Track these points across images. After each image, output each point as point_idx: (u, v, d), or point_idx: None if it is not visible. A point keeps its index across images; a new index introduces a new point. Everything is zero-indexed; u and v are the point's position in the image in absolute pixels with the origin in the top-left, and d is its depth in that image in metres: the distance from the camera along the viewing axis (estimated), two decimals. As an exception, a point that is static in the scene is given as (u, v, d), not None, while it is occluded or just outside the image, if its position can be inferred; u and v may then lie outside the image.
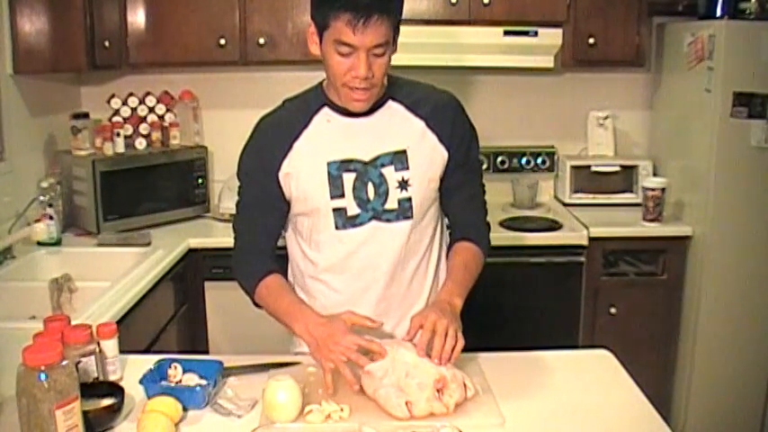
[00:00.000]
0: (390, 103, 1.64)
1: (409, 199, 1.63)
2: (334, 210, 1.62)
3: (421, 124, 1.64)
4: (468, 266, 1.68)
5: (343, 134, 1.62)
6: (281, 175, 1.63)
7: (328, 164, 1.61)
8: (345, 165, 1.61)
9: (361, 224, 1.63)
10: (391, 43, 1.51)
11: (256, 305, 1.72)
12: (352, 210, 1.62)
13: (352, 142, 1.61)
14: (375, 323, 1.52)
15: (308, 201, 1.63)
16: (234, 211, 2.96)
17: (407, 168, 1.62)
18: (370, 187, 1.62)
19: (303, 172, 1.62)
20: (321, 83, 1.67)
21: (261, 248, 1.70)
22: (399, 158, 1.62)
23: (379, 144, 1.62)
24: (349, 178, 1.61)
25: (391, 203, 1.63)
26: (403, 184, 1.62)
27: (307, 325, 1.54)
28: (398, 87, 1.65)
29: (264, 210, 1.67)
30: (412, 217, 1.64)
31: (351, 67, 1.48)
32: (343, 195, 1.61)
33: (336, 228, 1.63)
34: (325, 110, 1.63)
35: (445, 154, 1.65)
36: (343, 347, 1.45)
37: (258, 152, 1.66)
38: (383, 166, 1.61)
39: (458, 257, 1.69)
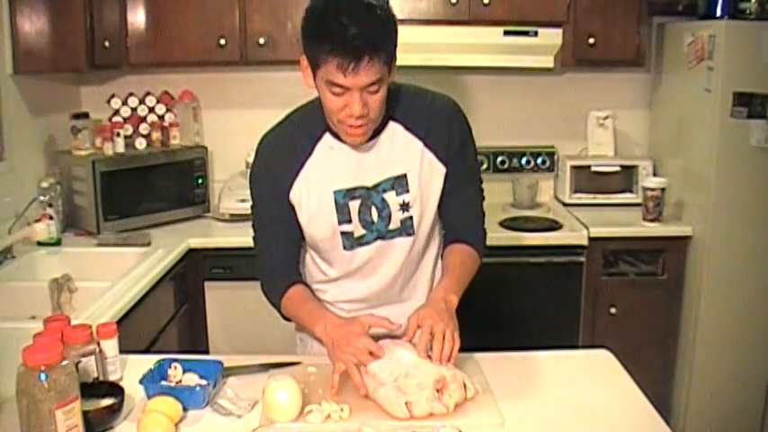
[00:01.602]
0: (390, 124, 1.62)
1: (411, 218, 1.65)
2: (342, 233, 1.64)
3: (419, 145, 1.63)
4: (464, 265, 1.68)
5: (346, 162, 1.62)
6: (290, 197, 1.64)
7: (335, 192, 1.62)
8: (351, 193, 1.62)
9: (367, 243, 1.66)
10: (386, 77, 1.48)
11: (285, 318, 1.73)
12: (359, 232, 1.65)
13: (357, 170, 1.62)
14: (394, 325, 1.52)
15: (317, 227, 1.65)
16: (234, 211, 2.98)
17: (408, 191, 1.63)
18: (374, 211, 1.64)
19: (311, 200, 1.63)
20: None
21: (284, 263, 1.71)
22: (400, 183, 1.62)
23: (380, 170, 1.62)
24: (354, 205, 1.63)
25: (394, 224, 1.65)
26: (404, 207, 1.63)
27: (326, 326, 1.55)
28: (396, 102, 1.62)
29: (282, 226, 1.67)
30: (414, 233, 1.66)
31: (345, 105, 1.46)
32: (350, 221, 1.63)
33: (344, 248, 1.66)
34: (327, 137, 1.62)
35: (443, 169, 1.65)
36: (354, 349, 1.46)
37: (267, 175, 1.66)
38: (385, 191, 1.62)
39: (454, 257, 1.70)
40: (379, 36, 1.41)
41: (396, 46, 1.48)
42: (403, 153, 1.63)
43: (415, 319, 1.50)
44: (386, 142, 1.62)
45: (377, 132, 1.61)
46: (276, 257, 1.70)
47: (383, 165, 1.62)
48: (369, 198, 1.62)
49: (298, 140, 1.64)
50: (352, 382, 1.45)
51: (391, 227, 1.65)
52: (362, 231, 1.64)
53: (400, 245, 1.66)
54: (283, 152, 1.64)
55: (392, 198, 1.63)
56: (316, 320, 1.58)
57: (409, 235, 1.66)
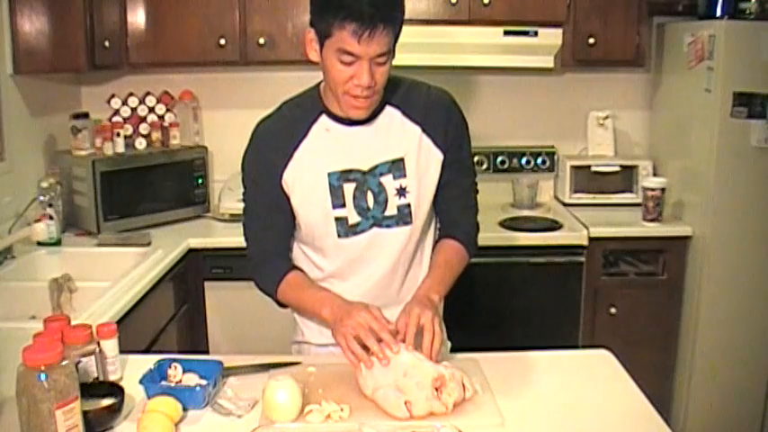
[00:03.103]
0: (387, 108, 1.63)
1: (408, 205, 1.64)
2: (336, 219, 1.63)
3: (417, 130, 1.64)
4: (450, 264, 1.69)
5: (342, 144, 1.62)
6: (282, 182, 1.64)
7: (329, 174, 1.61)
8: (345, 175, 1.62)
9: (362, 231, 1.65)
10: (392, 51, 1.51)
11: (280, 305, 1.74)
12: (353, 218, 1.64)
13: (352, 152, 1.62)
14: (391, 324, 1.51)
15: (310, 210, 1.64)
16: (234, 211, 2.98)
17: (405, 176, 1.63)
18: (370, 196, 1.63)
19: (304, 182, 1.63)
20: (318, 86, 1.66)
21: (275, 252, 1.71)
22: (397, 166, 1.63)
23: (377, 153, 1.62)
24: (349, 188, 1.62)
25: (390, 210, 1.64)
26: (401, 192, 1.63)
27: (332, 307, 1.57)
28: (394, 89, 1.65)
29: (273, 213, 1.68)
30: (411, 222, 1.66)
31: (353, 76, 1.48)
32: (344, 205, 1.63)
33: (339, 236, 1.65)
34: (323, 118, 1.63)
35: (441, 156, 1.66)
36: (355, 322, 1.47)
37: (260, 159, 1.66)
38: (381, 174, 1.62)
39: (441, 254, 1.71)
40: (392, 6, 1.45)
41: (402, 23, 1.51)
42: (400, 137, 1.63)
43: (404, 318, 1.51)
44: (383, 126, 1.62)
45: (374, 115, 1.61)
46: (268, 244, 1.70)
47: (380, 148, 1.62)
48: (364, 183, 1.62)
49: (293, 123, 1.64)
50: (354, 357, 1.45)
51: (387, 213, 1.64)
52: (358, 218, 1.63)
53: (397, 235, 1.65)
54: (278, 136, 1.64)
55: (389, 182, 1.62)
56: (322, 303, 1.60)
57: (406, 224, 1.65)
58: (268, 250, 1.71)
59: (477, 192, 1.78)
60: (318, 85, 1.66)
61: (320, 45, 1.50)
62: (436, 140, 1.65)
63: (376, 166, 1.62)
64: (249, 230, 1.73)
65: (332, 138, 1.62)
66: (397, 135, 1.63)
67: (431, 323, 1.47)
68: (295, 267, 1.72)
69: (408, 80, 1.70)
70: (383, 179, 1.62)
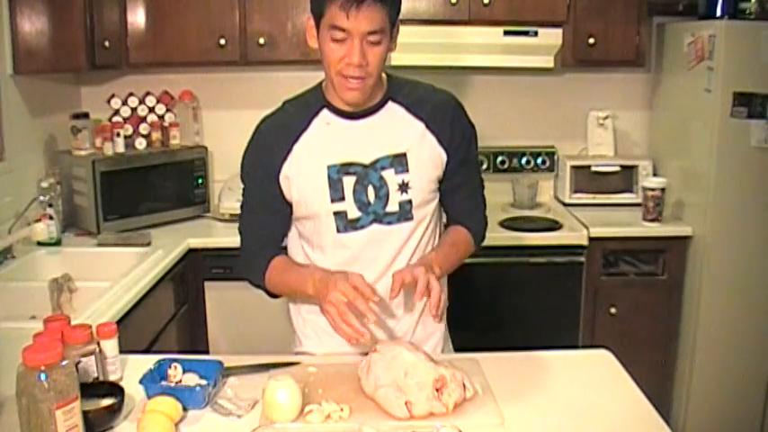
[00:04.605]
0: (390, 104, 1.64)
1: (409, 201, 1.64)
2: (335, 213, 1.63)
3: (421, 126, 1.64)
4: (456, 245, 1.70)
5: (342, 137, 1.62)
6: (281, 177, 1.64)
7: (328, 167, 1.61)
8: (345, 168, 1.61)
9: (362, 227, 1.64)
10: (387, 33, 1.51)
11: (271, 295, 1.74)
12: (353, 213, 1.63)
13: (352, 145, 1.62)
14: (376, 297, 1.49)
15: (309, 204, 1.64)
16: (234, 211, 2.98)
17: (407, 171, 1.62)
18: (371, 190, 1.62)
19: (303, 175, 1.62)
20: (321, 84, 1.67)
21: (264, 244, 1.72)
22: (399, 161, 1.62)
23: (378, 147, 1.62)
24: (349, 181, 1.61)
25: (392, 206, 1.63)
26: (403, 187, 1.63)
27: (314, 282, 1.56)
28: (398, 87, 1.66)
29: (268, 211, 1.69)
30: (412, 219, 1.65)
31: (345, 55, 1.49)
32: (343, 199, 1.62)
33: (338, 231, 1.64)
34: (325, 112, 1.63)
35: (444, 156, 1.66)
36: (334, 298, 1.46)
37: (259, 154, 1.66)
38: (383, 168, 1.62)
39: (450, 236, 1.73)
40: None
41: (399, 6, 1.53)
42: (403, 132, 1.63)
43: (399, 275, 1.50)
44: (385, 120, 1.63)
45: (376, 109, 1.62)
46: (256, 239, 1.71)
47: (382, 142, 1.62)
48: (365, 177, 1.61)
49: (294, 118, 1.65)
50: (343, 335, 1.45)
51: (389, 209, 1.63)
52: (358, 213, 1.63)
53: (397, 231, 1.65)
54: (278, 132, 1.65)
55: (391, 176, 1.62)
56: (305, 281, 1.59)
57: (407, 220, 1.65)
58: (258, 246, 1.72)
59: (483, 188, 1.79)
60: (321, 82, 1.66)
61: (317, 29, 1.52)
62: (441, 139, 1.64)
63: (377, 160, 1.61)
64: (242, 226, 1.74)
65: (332, 131, 1.62)
66: (400, 130, 1.63)
67: (436, 283, 1.48)
68: (279, 254, 1.71)
69: (413, 80, 1.71)
70: (384, 173, 1.62)
